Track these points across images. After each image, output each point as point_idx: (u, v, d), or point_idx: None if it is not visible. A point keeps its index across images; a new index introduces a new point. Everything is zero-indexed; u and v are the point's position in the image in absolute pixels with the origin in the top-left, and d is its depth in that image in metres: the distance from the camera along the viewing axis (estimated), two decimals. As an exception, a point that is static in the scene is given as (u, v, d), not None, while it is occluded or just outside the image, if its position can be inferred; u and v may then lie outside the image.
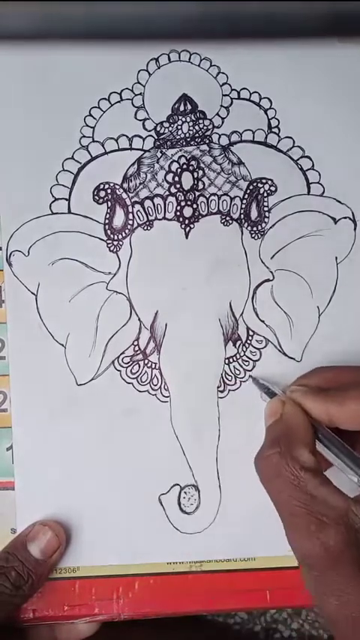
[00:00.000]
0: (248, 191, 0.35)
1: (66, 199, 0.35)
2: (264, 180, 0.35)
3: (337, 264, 0.35)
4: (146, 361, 0.35)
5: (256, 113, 0.35)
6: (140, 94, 0.35)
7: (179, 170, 0.35)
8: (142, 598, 0.34)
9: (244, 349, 0.35)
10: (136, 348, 0.35)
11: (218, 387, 0.35)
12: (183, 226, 0.35)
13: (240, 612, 0.43)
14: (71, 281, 0.35)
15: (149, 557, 0.34)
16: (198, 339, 0.35)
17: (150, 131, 0.35)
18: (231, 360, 0.35)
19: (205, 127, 0.35)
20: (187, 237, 0.35)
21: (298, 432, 0.29)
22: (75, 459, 0.34)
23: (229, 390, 0.35)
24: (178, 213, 0.35)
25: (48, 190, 0.35)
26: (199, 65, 0.35)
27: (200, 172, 0.35)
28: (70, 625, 0.34)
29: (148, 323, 0.35)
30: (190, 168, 0.35)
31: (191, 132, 0.35)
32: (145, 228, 0.35)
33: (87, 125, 0.35)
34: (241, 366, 0.35)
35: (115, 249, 0.35)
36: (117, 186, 0.35)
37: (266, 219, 0.35)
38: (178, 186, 0.35)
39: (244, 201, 0.35)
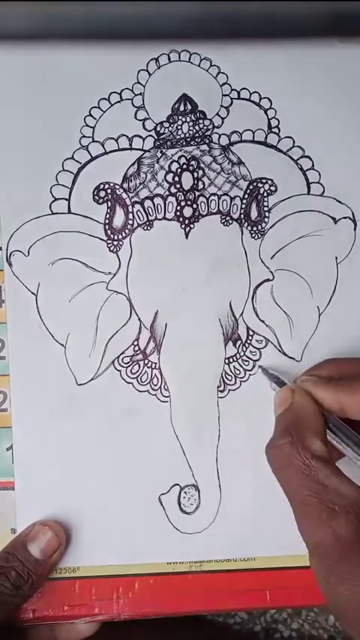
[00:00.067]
0: (248, 191, 0.35)
1: (66, 199, 0.35)
2: (264, 180, 0.35)
3: (337, 264, 0.35)
4: (146, 361, 0.35)
5: (256, 113, 0.35)
6: (140, 94, 0.35)
7: (179, 170, 0.35)
8: (142, 598, 0.34)
9: (244, 349, 0.35)
10: (136, 348, 0.35)
11: (218, 387, 0.35)
12: (183, 226, 0.35)
13: (240, 612, 0.43)
14: (71, 281, 0.35)
15: (149, 557, 0.34)
16: (198, 339, 0.35)
17: (150, 131, 0.35)
18: (231, 359, 0.35)
19: (205, 127, 0.35)
20: (187, 237, 0.35)
21: (309, 421, 0.29)
22: (75, 459, 0.34)
23: (229, 390, 0.35)
24: (178, 213, 0.35)
25: (48, 190, 0.35)
26: (199, 65, 0.35)
27: (200, 172, 0.35)
28: (70, 625, 0.34)
29: (148, 323, 0.35)
30: (190, 168, 0.35)
31: (191, 132, 0.35)
32: (145, 228, 0.35)
33: (87, 125, 0.35)
34: (241, 366, 0.35)
35: (115, 249, 0.35)
36: (117, 186, 0.35)
37: (266, 219, 0.35)
38: (178, 186, 0.35)
39: (244, 201, 0.35)
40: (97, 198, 0.35)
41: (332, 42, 0.35)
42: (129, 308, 0.35)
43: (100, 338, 0.35)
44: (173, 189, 0.35)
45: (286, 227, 0.35)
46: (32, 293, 0.35)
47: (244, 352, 0.35)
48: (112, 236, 0.35)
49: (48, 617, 0.34)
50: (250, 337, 0.35)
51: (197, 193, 0.35)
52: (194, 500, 0.34)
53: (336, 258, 0.35)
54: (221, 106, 0.35)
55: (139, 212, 0.35)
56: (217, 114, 0.35)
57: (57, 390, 0.34)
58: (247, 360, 0.35)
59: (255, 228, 0.35)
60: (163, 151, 0.35)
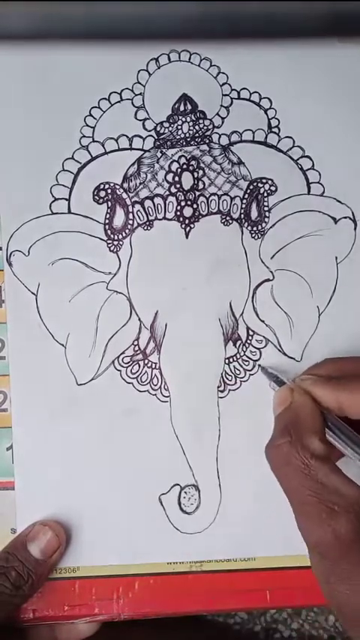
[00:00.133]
0: (248, 191, 0.35)
1: (66, 199, 0.35)
2: (264, 180, 0.35)
3: (337, 263, 0.35)
4: (146, 361, 0.35)
5: (256, 113, 0.35)
6: (140, 94, 0.35)
7: (179, 170, 0.35)
8: (142, 598, 0.34)
9: (244, 349, 0.35)
10: (136, 348, 0.35)
11: (218, 387, 0.35)
12: (183, 226, 0.35)
13: (240, 612, 0.43)
14: (71, 281, 0.35)
15: (149, 557, 0.34)
16: (198, 339, 0.35)
17: (150, 131, 0.35)
18: (231, 359, 0.35)
19: (205, 127, 0.35)
20: (187, 237, 0.35)
21: (308, 420, 0.29)
22: (75, 459, 0.34)
23: (230, 390, 0.35)
24: (178, 213, 0.35)
25: (48, 190, 0.35)
26: (199, 65, 0.35)
27: (200, 172, 0.35)
28: (70, 625, 0.34)
29: (148, 323, 0.35)
30: (190, 168, 0.35)
31: (191, 132, 0.35)
32: (146, 228, 0.35)
33: (87, 125, 0.35)
34: (242, 366, 0.35)
35: (115, 249, 0.35)
36: (117, 186, 0.35)
37: (266, 219, 0.35)
38: (178, 186, 0.35)
39: (244, 201, 0.35)
40: (97, 198, 0.35)
41: (332, 42, 0.35)
42: (129, 308, 0.35)
43: (100, 338, 0.35)
44: (173, 189, 0.35)
45: (286, 227, 0.35)
46: (32, 293, 0.35)
47: (244, 352, 0.35)
48: (112, 236, 0.35)
49: (48, 617, 0.34)
50: (250, 337, 0.35)
51: (197, 193, 0.35)
52: (194, 500, 0.34)
53: (336, 258, 0.35)
54: (221, 105, 0.35)
55: (139, 212, 0.35)
56: (217, 114, 0.35)
57: (57, 390, 0.34)
58: (247, 360, 0.35)
59: (255, 228, 0.35)
60: (163, 150, 0.35)
